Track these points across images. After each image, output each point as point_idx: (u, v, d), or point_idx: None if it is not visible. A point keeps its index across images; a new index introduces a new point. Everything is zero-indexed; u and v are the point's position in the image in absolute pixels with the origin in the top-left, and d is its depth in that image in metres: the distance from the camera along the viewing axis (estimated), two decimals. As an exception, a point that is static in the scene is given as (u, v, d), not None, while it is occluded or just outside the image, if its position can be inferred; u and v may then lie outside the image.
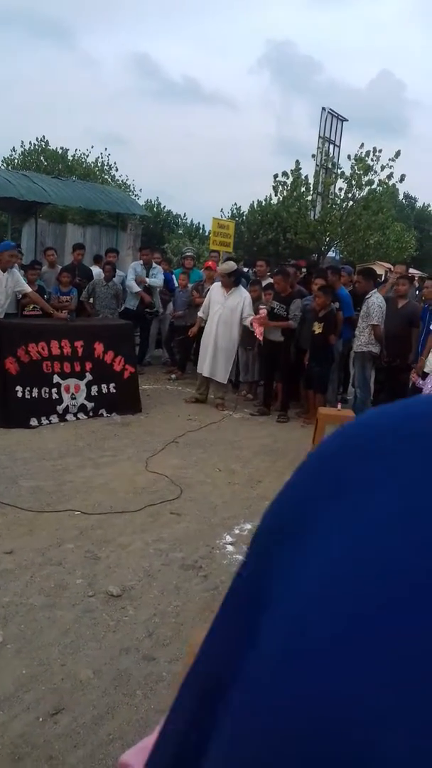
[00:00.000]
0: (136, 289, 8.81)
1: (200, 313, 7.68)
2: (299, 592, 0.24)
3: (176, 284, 9.50)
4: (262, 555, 0.28)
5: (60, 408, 6.45)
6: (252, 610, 0.26)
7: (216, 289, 7.54)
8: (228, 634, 0.28)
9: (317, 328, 6.98)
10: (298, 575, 0.24)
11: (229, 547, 3.94)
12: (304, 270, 9.77)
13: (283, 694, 0.21)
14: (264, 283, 8.11)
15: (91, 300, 8.72)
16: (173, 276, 9.77)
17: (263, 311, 7.31)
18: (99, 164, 29.74)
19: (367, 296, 7.08)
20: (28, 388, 6.21)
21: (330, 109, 18.91)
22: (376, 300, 6.99)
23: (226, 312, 7.40)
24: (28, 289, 7.00)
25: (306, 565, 0.24)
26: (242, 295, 7.44)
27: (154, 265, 9.15)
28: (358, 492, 0.25)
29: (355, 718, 0.19)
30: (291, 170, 19.19)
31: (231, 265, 7.53)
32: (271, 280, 7.95)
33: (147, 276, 8.93)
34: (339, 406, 6.28)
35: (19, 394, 6.15)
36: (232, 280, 7.38)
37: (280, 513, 0.29)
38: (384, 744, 0.18)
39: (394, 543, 0.22)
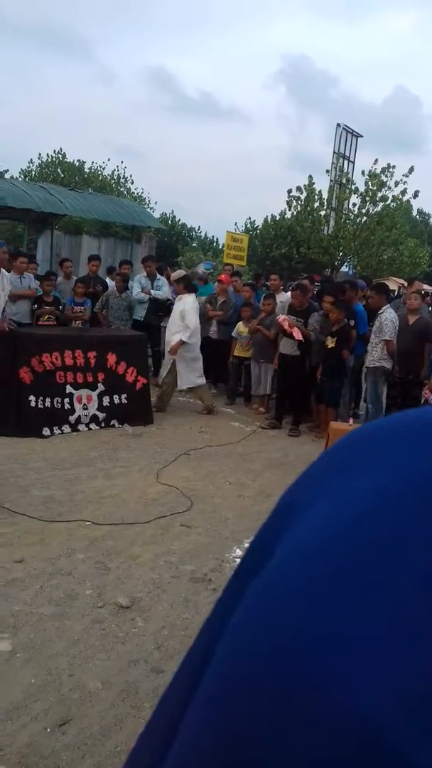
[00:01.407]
0: (145, 298, 8.85)
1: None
2: (278, 558, 0.28)
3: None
4: (269, 529, 0.32)
5: (72, 418, 6.48)
6: (246, 578, 0.30)
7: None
8: (224, 601, 0.32)
9: (330, 343, 6.98)
10: (283, 544, 0.29)
11: (239, 561, 3.93)
12: (317, 284, 9.79)
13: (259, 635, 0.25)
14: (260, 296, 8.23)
15: (105, 311, 8.77)
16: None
17: (282, 318, 7.33)
18: (115, 177, 30.07)
19: (379, 312, 7.08)
20: (41, 398, 6.25)
21: (345, 125, 19.02)
22: (388, 315, 6.99)
23: (173, 317, 7.54)
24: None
25: (290, 535, 0.29)
26: (186, 301, 7.52)
27: (158, 276, 9.19)
28: (346, 472, 0.30)
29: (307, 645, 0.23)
30: (305, 185, 19.29)
31: (179, 273, 7.80)
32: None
33: (152, 287, 8.97)
34: (351, 421, 6.26)
35: (33, 404, 6.20)
36: (181, 287, 7.51)
37: (286, 497, 0.34)
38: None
39: (358, 520, 0.26)
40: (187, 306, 7.45)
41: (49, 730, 2.36)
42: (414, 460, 0.27)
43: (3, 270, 6.33)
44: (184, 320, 7.38)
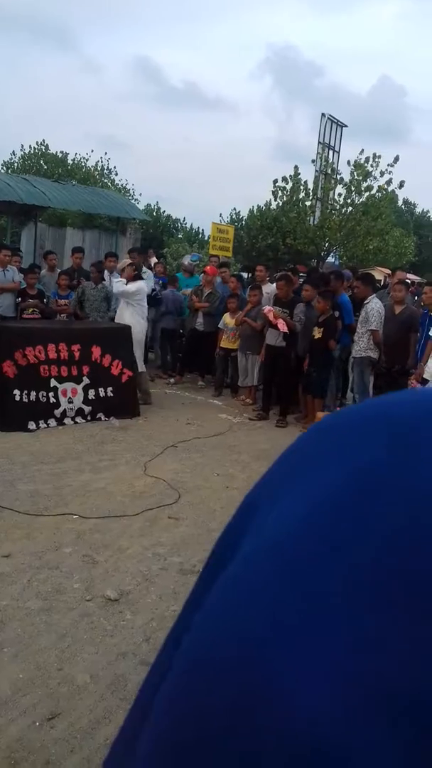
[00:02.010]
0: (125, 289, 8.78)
1: None
2: (234, 564, 0.28)
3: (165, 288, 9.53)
4: (234, 526, 0.32)
5: (57, 412, 6.44)
6: (215, 571, 0.30)
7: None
8: (195, 593, 0.33)
9: (317, 333, 6.99)
10: (241, 547, 0.29)
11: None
12: (302, 275, 9.79)
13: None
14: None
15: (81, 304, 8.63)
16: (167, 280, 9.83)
17: (268, 309, 7.32)
18: (99, 168, 29.82)
19: (366, 302, 7.09)
20: (26, 392, 6.20)
21: (330, 116, 18.97)
22: (374, 305, 7.00)
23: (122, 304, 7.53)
24: None
25: (247, 538, 0.29)
26: (133, 284, 7.51)
27: (144, 269, 9.12)
28: (301, 470, 0.30)
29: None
30: (290, 176, 19.24)
31: (125, 262, 7.77)
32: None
33: None
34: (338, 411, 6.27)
35: (17, 398, 6.15)
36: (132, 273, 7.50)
37: (250, 494, 0.34)
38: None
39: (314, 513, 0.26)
40: (136, 286, 7.46)
41: (38, 724, 2.35)
42: (358, 455, 0.27)
43: None
44: (128, 294, 7.39)
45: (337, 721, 0.21)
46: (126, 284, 7.36)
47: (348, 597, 0.23)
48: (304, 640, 0.23)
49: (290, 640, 0.23)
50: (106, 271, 9.08)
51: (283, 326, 7.14)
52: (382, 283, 15.74)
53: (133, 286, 7.36)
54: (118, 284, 8.60)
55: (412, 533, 0.23)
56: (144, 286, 7.62)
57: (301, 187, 19.11)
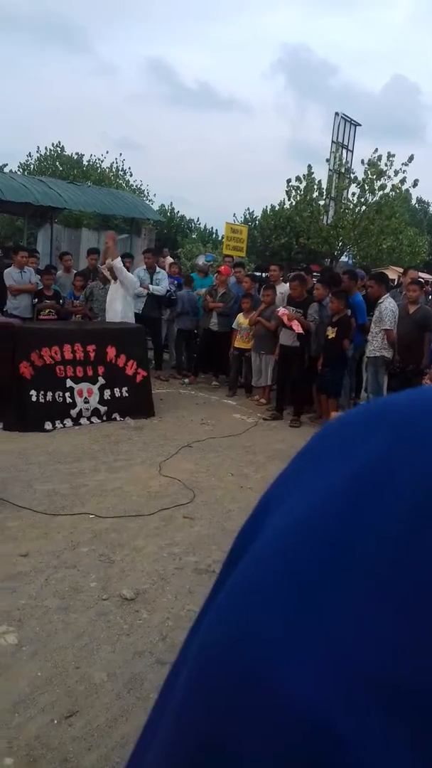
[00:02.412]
0: (144, 293, 8.82)
1: None
2: (243, 560, 0.29)
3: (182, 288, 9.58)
4: (250, 525, 0.33)
5: (74, 412, 6.49)
6: (228, 571, 0.31)
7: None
8: (212, 591, 0.33)
9: (330, 333, 6.97)
10: (252, 544, 0.30)
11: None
12: (316, 275, 9.78)
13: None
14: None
15: (89, 303, 8.68)
16: (182, 280, 9.87)
17: (282, 311, 7.32)
18: (113, 169, 29.95)
19: (379, 301, 7.07)
20: (42, 392, 6.26)
21: (343, 114, 18.90)
22: (388, 305, 6.98)
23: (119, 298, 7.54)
24: None
25: (259, 535, 0.30)
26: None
27: (158, 269, 9.15)
28: (312, 468, 0.30)
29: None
30: (304, 175, 19.20)
31: (109, 263, 7.70)
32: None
33: (152, 281, 8.94)
34: (352, 411, 6.26)
35: (34, 398, 6.20)
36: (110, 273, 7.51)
37: (266, 492, 0.34)
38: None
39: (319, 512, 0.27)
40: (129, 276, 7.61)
41: (56, 722, 2.38)
42: (360, 452, 0.28)
43: None
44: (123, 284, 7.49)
45: (333, 707, 0.22)
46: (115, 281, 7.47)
47: (344, 588, 0.24)
48: (299, 631, 0.24)
49: (286, 632, 0.24)
50: None
51: (298, 327, 7.14)
52: (395, 283, 15.66)
53: (129, 275, 7.57)
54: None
55: (412, 526, 0.24)
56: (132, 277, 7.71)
57: (315, 187, 19.07)
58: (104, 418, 6.71)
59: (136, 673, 2.70)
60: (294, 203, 20.13)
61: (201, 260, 11.31)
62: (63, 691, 2.55)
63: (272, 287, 8.30)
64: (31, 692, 2.53)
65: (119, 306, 7.47)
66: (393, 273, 18.84)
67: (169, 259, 11.36)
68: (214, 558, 3.82)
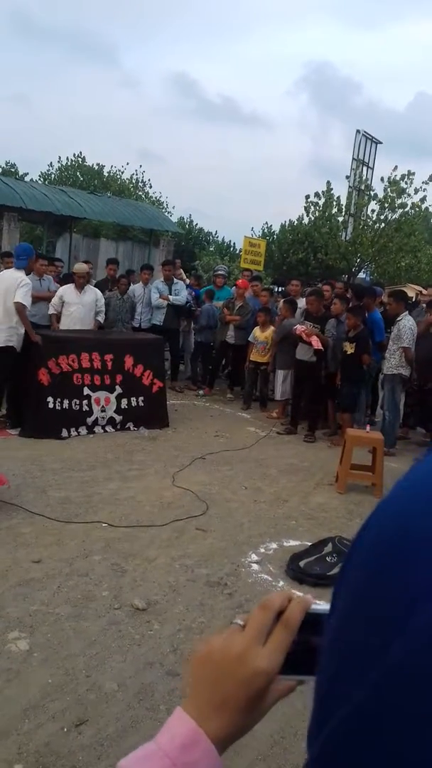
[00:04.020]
0: (163, 304, 8.87)
1: (51, 311, 7.61)
2: None
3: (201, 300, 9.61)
4: None
5: (89, 420, 6.52)
6: None
7: (68, 290, 7.50)
8: None
9: (349, 348, 6.95)
10: None
11: (255, 566, 3.93)
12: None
13: None
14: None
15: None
16: (199, 292, 9.90)
17: (301, 329, 7.31)
18: (133, 181, 30.20)
19: (398, 318, 7.05)
20: (59, 400, 6.29)
21: (364, 132, 18.95)
22: (407, 322, 6.96)
23: (83, 309, 7.40)
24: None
25: None
26: (96, 292, 7.62)
27: (175, 280, 9.20)
28: None
29: None
30: (323, 191, 19.26)
31: (84, 267, 7.65)
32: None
33: (170, 292, 8.99)
34: (368, 428, 6.24)
35: (51, 405, 6.24)
36: (82, 282, 7.45)
37: None
38: None
39: None
40: (98, 295, 7.62)
41: (65, 729, 2.38)
42: None
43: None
44: (98, 304, 7.55)
45: None
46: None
47: None
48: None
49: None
50: (140, 283, 9.24)
51: (317, 343, 7.11)
52: (413, 300, 15.61)
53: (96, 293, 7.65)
54: (154, 295, 8.72)
55: None
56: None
57: (334, 203, 19.12)
58: (119, 427, 6.73)
59: (146, 683, 2.69)
60: (312, 219, 20.18)
61: (220, 271, 11.29)
62: (73, 699, 2.54)
63: (293, 301, 8.32)
64: (42, 699, 2.52)
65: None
66: (411, 291, 18.78)
67: (180, 272, 11.39)
68: (226, 571, 3.81)
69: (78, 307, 7.39)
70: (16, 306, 6.13)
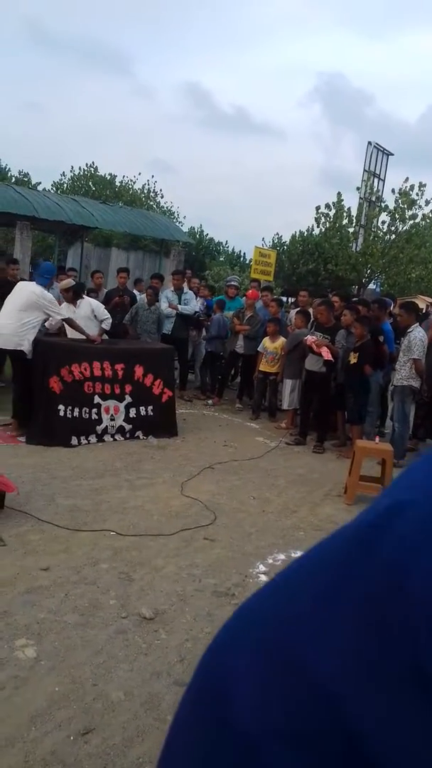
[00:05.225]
0: (172, 313, 8.91)
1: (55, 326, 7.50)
2: None
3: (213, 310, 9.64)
4: None
5: (99, 428, 6.54)
6: None
7: (63, 308, 7.32)
8: None
9: (353, 358, 6.95)
10: None
11: (263, 577, 3.92)
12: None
13: None
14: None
15: (133, 324, 8.83)
16: (212, 302, 9.93)
17: (311, 339, 7.31)
18: (145, 191, 30.39)
19: (408, 330, 7.04)
20: (70, 408, 6.32)
21: (376, 144, 19.01)
22: (417, 334, 6.95)
23: (81, 323, 7.19)
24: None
25: None
26: (90, 303, 7.54)
27: (185, 290, 9.23)
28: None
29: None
30: (333, 202, 19.31)
31: (69, 282, 7.58)
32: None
33: (180, 301, 9.02)
34: (377, 439, 6.22)
35: (62, 413, 6.27)
36: (70, 295, 7.38)
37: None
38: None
39: None
40: (93, 304, 7.54)
41: (72, 738, 2.37)
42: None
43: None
44: (97, 313, 7.47)
45: (349, 677, 0.32)
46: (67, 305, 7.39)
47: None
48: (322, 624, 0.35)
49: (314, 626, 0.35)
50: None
51: (327, 354, 7.10)
52: (424, 311, 15.59)
53: (92, 302, 7.62)
54: (163, 304, 8.75)
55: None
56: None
57: (344, 214, 19.16)
58: (128, 435, 6.75)
59: (153, 693, 2.69)
60: (323, 230, 20.22)
61: (233, 281, 11.34)
62: (80, 708, 2.54)
63: (304, 312, 8.34)
64: (48, 707, 2.53)
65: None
66: (422, 302, 18.75)
67: (195, 281, 11.43)
68: (233, 581, 3.80)
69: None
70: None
